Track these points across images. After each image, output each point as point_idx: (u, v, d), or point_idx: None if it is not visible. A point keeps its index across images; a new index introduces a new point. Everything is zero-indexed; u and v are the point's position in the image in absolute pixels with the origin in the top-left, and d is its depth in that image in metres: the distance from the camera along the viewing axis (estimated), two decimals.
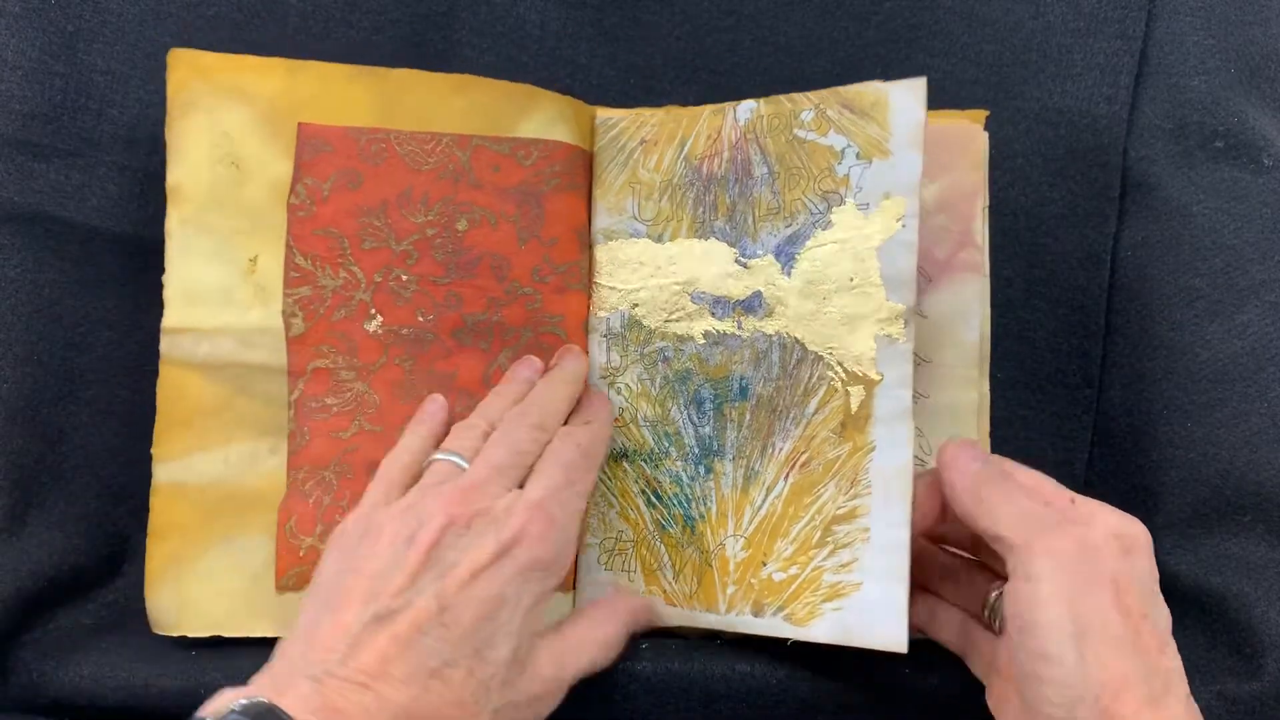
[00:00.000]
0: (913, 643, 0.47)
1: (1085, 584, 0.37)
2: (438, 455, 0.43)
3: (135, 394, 0.48)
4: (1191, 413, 0.48)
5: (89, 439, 0.49)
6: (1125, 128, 0.52)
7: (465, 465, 0.43)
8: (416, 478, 0.43)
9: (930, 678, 0.45)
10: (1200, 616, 0.45)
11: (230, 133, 0.47)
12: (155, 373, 0.47)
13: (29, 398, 0.47)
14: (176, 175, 0.47)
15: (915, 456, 0.48)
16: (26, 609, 0.46)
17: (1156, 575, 0.38)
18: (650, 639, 0.47)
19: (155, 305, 0.47)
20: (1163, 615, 0.38)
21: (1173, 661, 0.37)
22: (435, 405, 0.47)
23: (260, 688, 0.36)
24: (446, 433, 0.45)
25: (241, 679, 0.44)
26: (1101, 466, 0.51)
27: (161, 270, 0.47)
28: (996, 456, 0.43)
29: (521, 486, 0.42)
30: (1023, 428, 0.51)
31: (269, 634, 0.45)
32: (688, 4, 0.54)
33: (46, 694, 0.45)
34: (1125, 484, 0.50)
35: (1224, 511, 0.47)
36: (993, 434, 0.50)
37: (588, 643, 0.43)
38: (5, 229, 0.48)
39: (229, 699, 0.35)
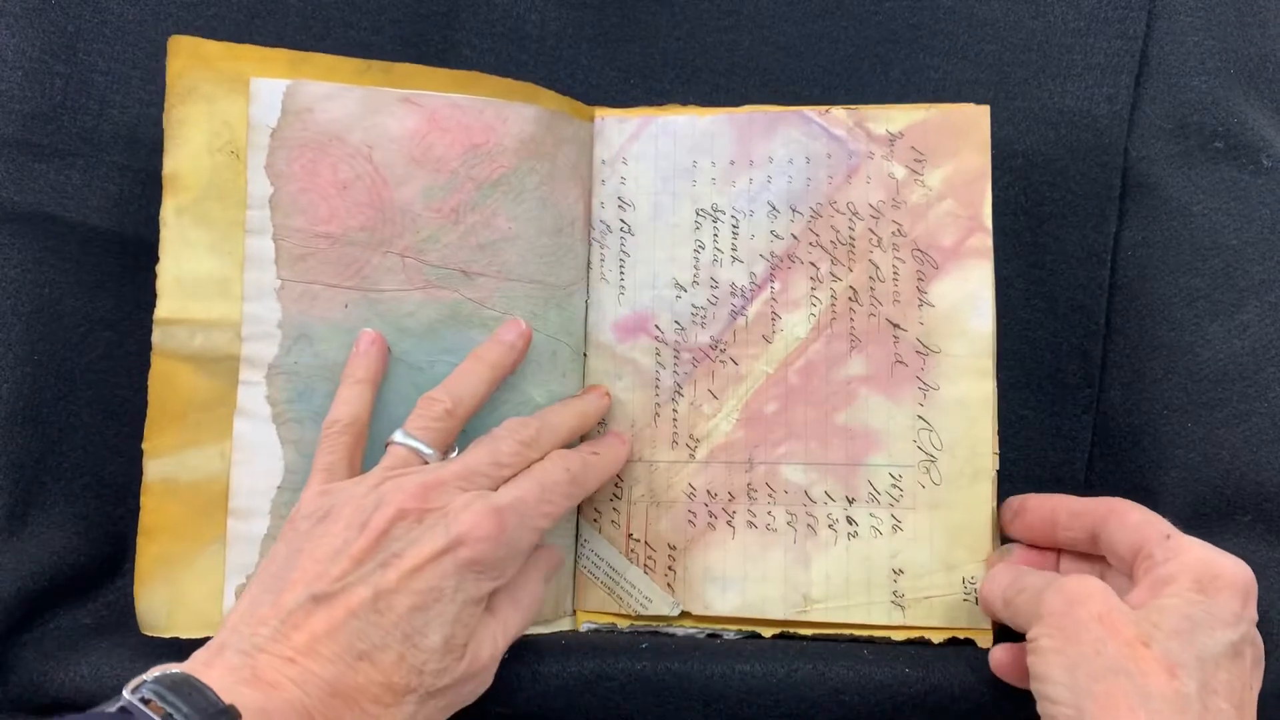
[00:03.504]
0: (913, 643, 0.47)
1: (1074, 633, 0.39)
2: (399, 439, 0.44)
3: (135, 394, 0.48)
4: (1191, 412, 0.48)
5: (89, 439, 0.49)
6: (1125, 128, 0.52)
7: (428, 452, 0.43)
8: (360, 436, 0.44)
9: (930, 677, 0.44)
10: None
11: (231, 122, 0.47)
12: None
13: (29, 398, 0.47)
14: (173, 163, 0.46)
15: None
16: (26, 609, 0.46)
17: (1228, 617, 0.38)
18: (650, 638, 0.47)
19: (155, 305, 0.47)
20: (1197, 648, 0.38)
21: (1188, 684, 0.37)
22: (366, 342, 0.46)
23: (191, 662, 0.37)
24: (382, 370, 0.46)
25: None
26: (1101, 466, 0.51)
27: None
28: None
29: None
30: (1023, 428, 0.51)
31: None
32: (688, 4, 0.54)
33: (46, 694, 0.45)
34: (1125, 484, 0.50)
35: (1224, 511, 0.47)
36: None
37: (513, 614, 0.43)
38: (5, 229, 0.48)
39: (153, 672, 0.36)
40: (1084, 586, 0.40)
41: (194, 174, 0.46)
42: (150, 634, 0.45)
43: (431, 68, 0.48)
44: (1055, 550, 0.46)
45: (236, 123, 0.47)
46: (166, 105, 0.46)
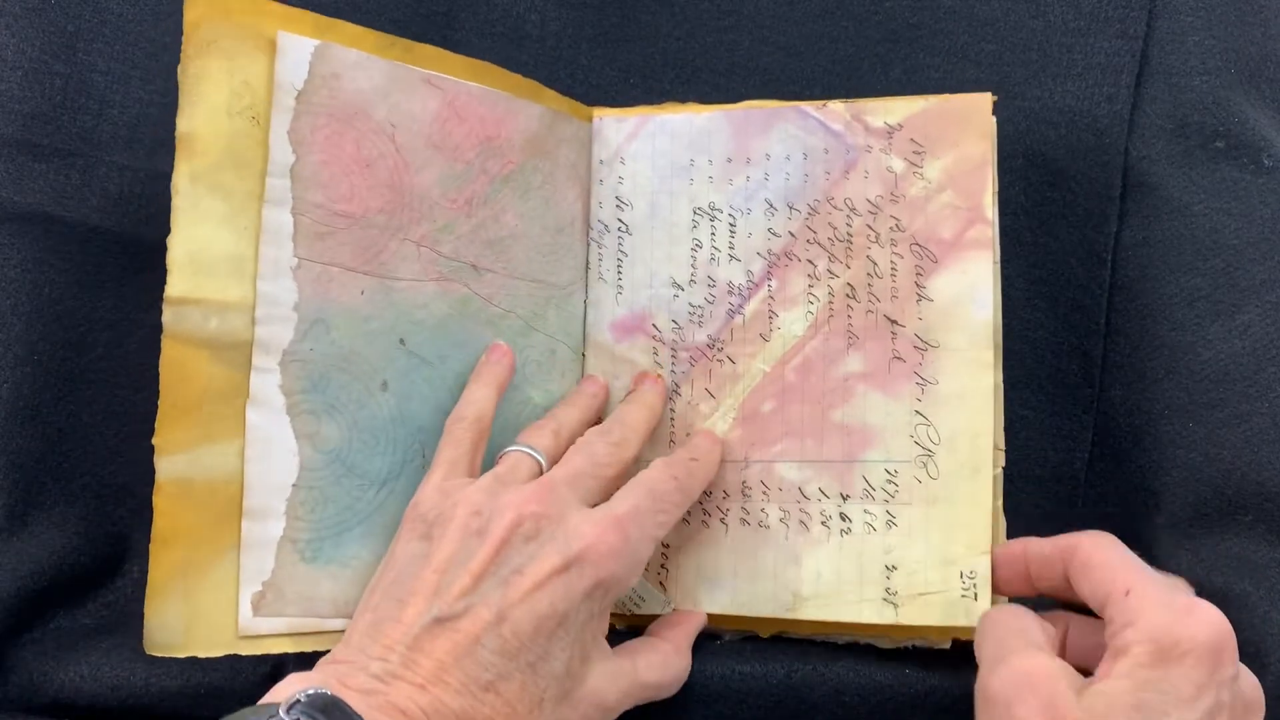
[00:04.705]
0: (915, 647, 0.47)
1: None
2: (515, 446, 0.44)
3: (136, 394, 0.49)
4: (1192, 413, 0.48)
5: (89, 439, 0.49)
6: (1126, 127, 0.52)
7: (543, 461, 0.44)
8: (483, 436, 0.45)
9: (931, 677, 0.44)
10: None
11: (251, 83, 0.43)
12: (156, 372, 0.43)
13: (29, 398, 0.47)
14: (188, 123, 0.42)
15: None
16: (26, 609, 0.46)
17: (1189, 691, 0.35)
18: None
19: (155, 305, 0.46)
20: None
21: None
22: (499, 353, 0.47)
23: (325, 676, 0.37)
24: (509, 379, 0.47)
25: (244, 681, 0.44)
26: (1101, 466, 0.51)
27: (163, 270, 0.46)
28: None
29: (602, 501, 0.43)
30: (1023, 428, 0.50)
31: (289, 650, 0.43)
32: (688, 4, 0.55)
33: (46, 694, 0.45)
34: (1125, 484, 0.50)
35: (1225, 511, 0.47)
36: None
37: (651, 681, 0.43)
38: (5, 229, 0.48)
39: (295, 686, 0.36)
40: (1028, 668, 0.37)
41: (211, 137, 0.42)
42: (159, 654, 0.41)
43: (450, 53, 0.48)
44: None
45: (257, 84, 0.43)
46: (183, 58, 0.42)
